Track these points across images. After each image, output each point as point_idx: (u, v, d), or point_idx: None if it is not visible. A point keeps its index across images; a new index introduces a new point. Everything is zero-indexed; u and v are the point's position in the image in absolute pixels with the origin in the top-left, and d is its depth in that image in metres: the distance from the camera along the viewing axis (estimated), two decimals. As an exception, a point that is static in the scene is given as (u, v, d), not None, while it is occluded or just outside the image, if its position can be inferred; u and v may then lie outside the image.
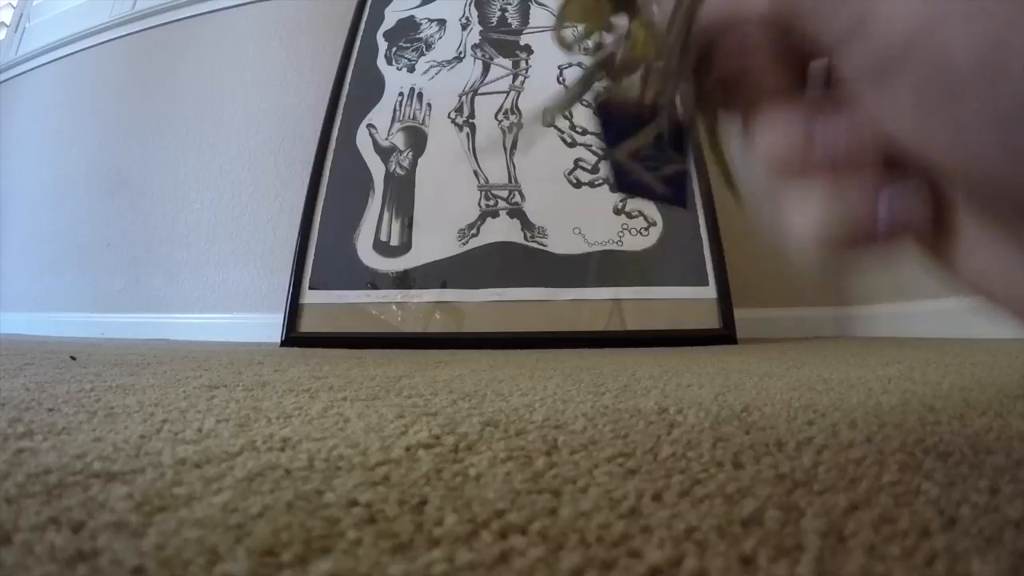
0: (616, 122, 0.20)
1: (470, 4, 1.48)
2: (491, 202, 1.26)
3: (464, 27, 1.45)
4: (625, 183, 0.21)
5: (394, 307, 1.19)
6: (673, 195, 0.21)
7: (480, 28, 1.44)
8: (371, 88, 1.39)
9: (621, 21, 0.19)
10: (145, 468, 0.21)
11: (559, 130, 1.30)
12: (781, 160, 0.16)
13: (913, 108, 0.13)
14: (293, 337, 1.17)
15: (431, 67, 1.41)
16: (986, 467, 0.20)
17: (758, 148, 0.17)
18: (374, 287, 1.21)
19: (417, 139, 1.33)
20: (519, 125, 1.32)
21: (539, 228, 1.22)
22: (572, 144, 1.28)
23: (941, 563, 0.13)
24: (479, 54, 1.41)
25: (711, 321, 1.12)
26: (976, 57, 0.12)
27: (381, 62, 1.43)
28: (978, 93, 0.12)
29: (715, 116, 0.19)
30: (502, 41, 1.42)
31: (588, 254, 1.19)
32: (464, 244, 1.23)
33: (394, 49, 1.45)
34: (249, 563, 0.13)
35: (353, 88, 1.40)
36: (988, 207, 0.14)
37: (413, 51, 1.44)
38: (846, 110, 0.15)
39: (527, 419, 0.31)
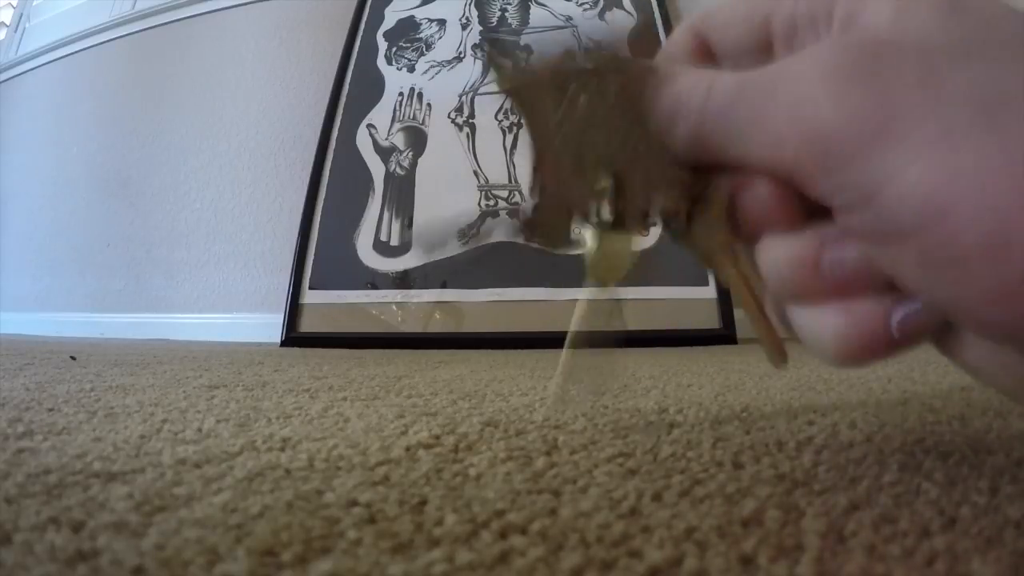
0: None
1: (470, 4, 1.48)
2: (491, 202, 1.26)
3: (464, 27, 1.45)
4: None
5: (394, 307, 1.19)
6: None
7: (480, 28, 1.44)
8: (371, 88, 1.39)
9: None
10: (145, 468, 0.21)
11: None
12: (789, 284, 0.16)
13: (916, 271, 0.14)
14: (293, 337, 1.17)
15: (431, 67, 1.41)
16: (986, 467, 0.20)
17: (765, 272, 0.17)
18: (374, 287, 1.21)
19: (417, 139, 1.33)
20: (520, 125, 1.32)
21: (539, 228, 1.22)
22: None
23: (941, 563, 0.13)
24: (479, 54, 1.41)
25: (711, 321, 1.12)
26: (984, 241, 0.12)
27: (381, 62, 1.43)
28: (983, 271, 0.12)
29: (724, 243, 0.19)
30: (502, 41, 1.42)
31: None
32: (464, 244, 1.23)
33: (394, 49, 1.45)
34: (249, 563, 0.13)
35: (353, 88, 1.40)
36: (988, 336, 0.15)
37: (413, 51, 1.44)
38: (852, 242, 0.15)
39: (527, 419, 0.31)
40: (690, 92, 0.16)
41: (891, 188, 0.13)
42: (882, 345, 0.16)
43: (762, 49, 0.17)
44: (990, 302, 0.13)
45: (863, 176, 0.13)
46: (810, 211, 0.16)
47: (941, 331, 0.16)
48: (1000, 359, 0.15)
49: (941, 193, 0.13)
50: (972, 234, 0.12)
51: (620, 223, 0.19)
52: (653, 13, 1.39)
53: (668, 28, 1.37)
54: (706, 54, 0.19)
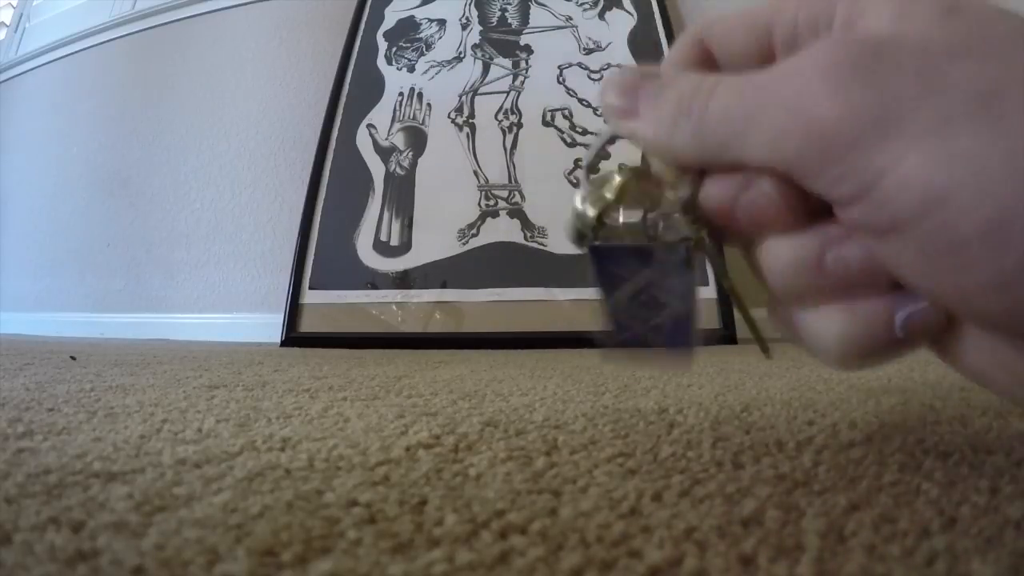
0: (610, 267, 0.19)
1: (470, 4, 1.48)
2: (491, 202, 1.26)
3: (464, 27, 1.45)
4: (623, 338, 0.20)
5: (394, 307, 1.19)
6: (676, 341, 0.20)
7: (480, 28, 1.44)
8: (371, 88, 1.39)
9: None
10: (145, 468, 0.21)
11: (559, 130, 1.30)
12: (792, 285, 0.16)
13: (917, 262, 0.14)
14: (293, 337, 1.17)
15: (431, 67, 1.41)
16: (986, 467, 0.20)
17: (768, 274, 0.17)
18: (374, 287, 1.21)
19: (417, 139, 1.33)
20: (520, 125, 1.32)
21: (539, 228, 1.22)
22: (572, 144, 1.28)
23: (941, 563, 0.13)
24: (479, 54, 1.41)
25: (711, 321, 1.12)
26: (982, 228, 0.13)
27: (381, 62, 1.43)
28: (982, 258, 0.13)
29: (721, 247, 0.18)
30: (502, 41, 1.42)
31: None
32: (464, 244, 1.23)
33: (394, 49, 1.45)
34: (249, 563, 0.13)
35: (353, 88, 1.40)
36: (989, 331, 0.15)
37: (413, 51, 1.44)
38: (854, 239, 0.16)
39: (527, 419, 0.31)
40: (694, 92, 0.16)
41: (890, 176, 0.13)
42: (885, 345, 0.16)
43: (764, 57, 0.17)
44: (990, 290, 0.13)
45: (863, 166, 0.14)
46: (812, 214, 0.16)
47: (942, 334, 0.16)
48: (1001, 361, 0.15)
49: (939, 179, 0.13)
50: (970, 220, 0.13)
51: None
52: (653, 13, 1.39)
53: (668, 28, 1.37)
54: (709, 63, 0.19)
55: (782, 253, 0.16)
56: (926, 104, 0.13)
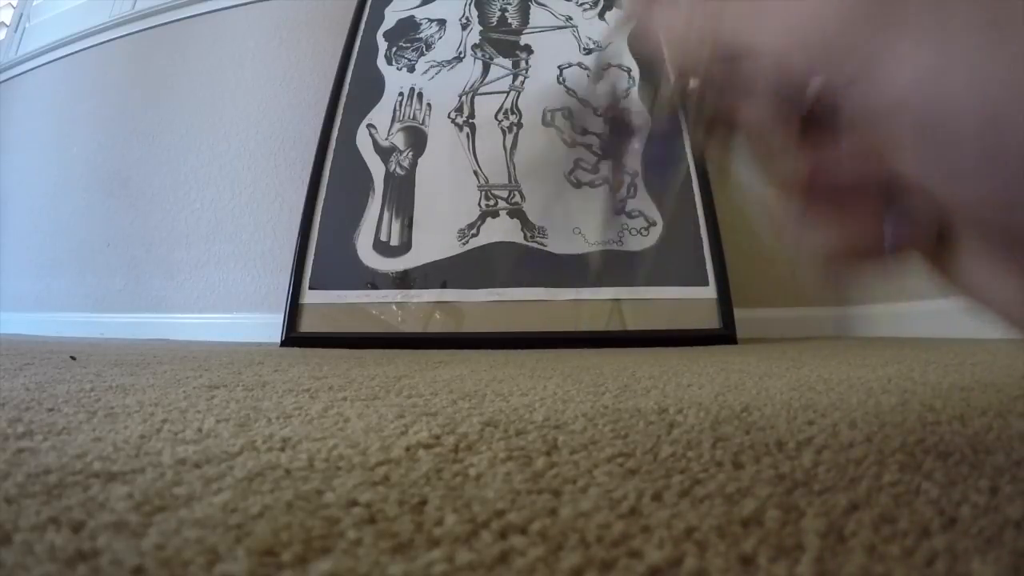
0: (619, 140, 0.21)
1: (470, 4, 1.48)
2: (491, 202, 1.26)
3: (464, 27, 1.45)
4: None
5: (394, 307, 1.19)
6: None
7: (480, 28, 1.44)
8: (371, 88, 1.39)
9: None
10: (145, 468, 0.21)
11: (559, 130, 1.30)
12: (786, 185, 0.17)
13: (913, 149, 0.14)
14: (293, 337, 1.17)
15: (431, 67, 1.41)
16: (986, 467, 0.20)
17: (763, 174, 0.18)
18: (374, 287, 1.21)
19: (417, 139, 1.33)
20: (520, 125, 1.32)
21: (539, 228, 1.22)
22: (572, 144, 1.28)
23: (941, 563, 0.13)
24: (479, 54, 1.41)
25: (711, 321, 1.12)
26: (975, 111, 0.13)
27: (381, 62, 1.43)
28: (975, 143, 0.13)
29: (723, 140, 0.19)
30: (502, 41, 1.42)
31: (588, 254, 1.19)
32: (464, 244, 1.23)
33: (394, 49, 1.45)
34: (249, 563, 0.13)
35: (353, 88, 1.40)
36: (983, 234, 0.15)
37: (413, 51, 1.44)
38: (849, 137, 0.16)
39: (527, 419, 0.31)
40: None
41: (890, 54, 0.14)
42: (874, 249, 0.16)
43: None
44: (982, 168, 0.13)
45: (863, 47, 0.14)
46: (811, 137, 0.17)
47: (936, 247, 0.16)
48: (998, 280, 0.15)
49: (936, 60, 0.13)
50: (965, 105, 0.13)
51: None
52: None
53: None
54: None
55: (777, 150, 0.17)
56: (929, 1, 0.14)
